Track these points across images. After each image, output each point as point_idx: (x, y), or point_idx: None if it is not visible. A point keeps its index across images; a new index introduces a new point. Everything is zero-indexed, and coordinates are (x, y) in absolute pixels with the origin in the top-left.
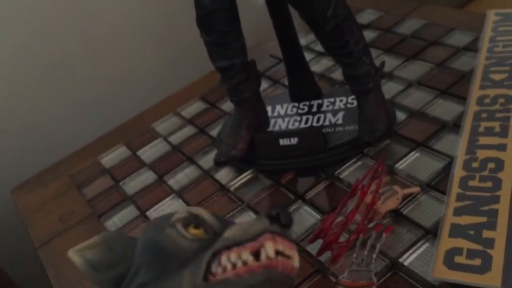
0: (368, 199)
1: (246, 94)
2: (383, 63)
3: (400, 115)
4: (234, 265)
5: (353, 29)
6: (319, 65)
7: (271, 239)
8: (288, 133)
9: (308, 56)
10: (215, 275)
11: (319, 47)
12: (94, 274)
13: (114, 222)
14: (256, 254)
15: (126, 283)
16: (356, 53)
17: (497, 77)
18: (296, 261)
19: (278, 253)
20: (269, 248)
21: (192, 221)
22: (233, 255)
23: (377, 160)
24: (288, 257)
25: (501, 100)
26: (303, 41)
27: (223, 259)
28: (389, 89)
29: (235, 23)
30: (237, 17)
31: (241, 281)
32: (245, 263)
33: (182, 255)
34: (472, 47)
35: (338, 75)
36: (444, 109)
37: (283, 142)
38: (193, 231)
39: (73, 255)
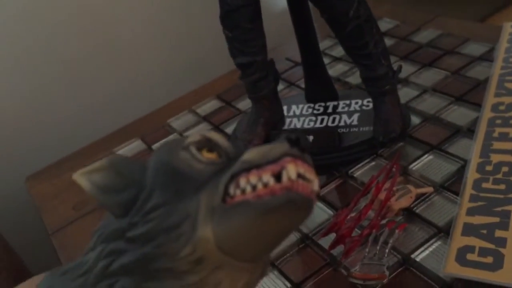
0: (382, 195)
1: (264, 92)
2: (400, 67)
3: (415, 119)
4: (253, 188)
5: (374, 31)
6: (334, 70)
7: (292, 161)
8: (303, 131)
9: (324, 61)
10: (234, 198)
11: (335, 52)
12: (103, 197)
13: None
14: (277, 177)
15: (138, 206)
16: (375, 55)
17: None
18: (316, 185)
19: (299, 176)
20: (291, 170)
21: (206, 144)
22: (253, 177)
23: (392, 159)
24: (309, 180)
25: None
26: (320, 46)
27: (242, 181)
28: (404, 94)
29: (258, 20)
30: (260, 15)
31: (262, 203)
32: (265, 185)
33: (198, 178)
34: (487, 57)
35: (353, 79)
36: (459, 115)
37: None
38: (207, 154)
39: (79, 177)
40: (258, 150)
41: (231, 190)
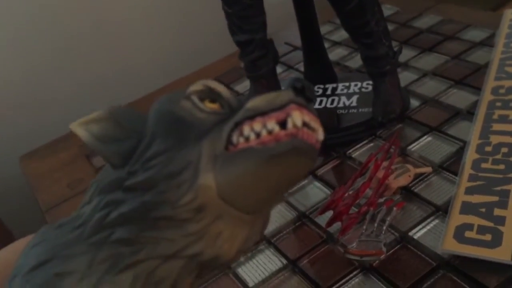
0: (380, 173)
1: (263, 71)
2: (401, 48)
3: (414, 102)
4: (258, 135)
5: (375, 9)
6: (334, 54)
7: (297, 109)
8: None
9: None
10: (237, 146)
11: (335, 37)
12: (101, 146)
13: None
14: (282, 124)
15: (137, 155)
16: (376, 33)
17: None
18: (320, 134)
19: (304, 124)
20: (296, 117)
21: (208, 95)
22: (257, 125)
23: (391, 137)
24: (313, 129)
25: None
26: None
27: (246, 129)
28: (404, 78)
29: None
30: None
31: (266, 150)
32: (270, 132)
33: (200, 126)
34: (488, 43)
35: (353, 63)
36: (458, 98)
37: None
38: (209, 104)
39: (77, 127)
40: (263, 97)
41: (234, 138)
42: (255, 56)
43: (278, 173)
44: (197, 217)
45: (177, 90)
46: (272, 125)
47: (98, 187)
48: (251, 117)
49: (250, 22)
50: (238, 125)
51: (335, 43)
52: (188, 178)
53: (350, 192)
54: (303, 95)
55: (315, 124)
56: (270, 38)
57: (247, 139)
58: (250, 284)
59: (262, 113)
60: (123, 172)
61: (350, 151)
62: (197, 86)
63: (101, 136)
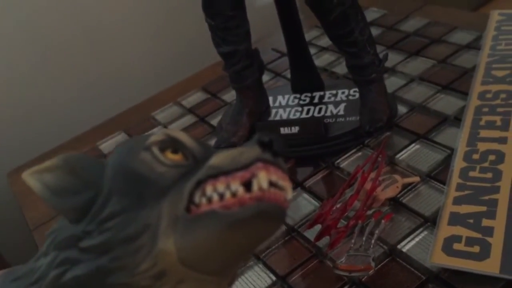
0: (368, 185)
1: (248, 81)
2: (386, 55)
3: (402, 109)
4: (221, 196)
5: (358, 17)
6: (321, 60)
7: (264, 168)
8: (289, 122)
9: (311, 51)
10: (199, 206)
11: (322, 42)
12: (55, 199)
13: None
14: (247, 185)
15: (94, 212)
16: (360, 42)
17: (499, 73)
18: (289, 193)
19: (271, 184)
20: (262, 179)
21: (170, 145)
22: (220, 185)
23: (378, 148)
24: (281, 188)
25: (503, 95)
26: (307, 36)
27: (209, 189)
28: (391, 83)
29: (241, 8)
30: (243, 3)
31: (230, 215)
32: (234, 194)
33: (160, 183)
34: (474, 45)
35: (340, 69)
36: (446, 103)
37: (284, 130)
38: (171, 156)
39: (28, 177)
40: (227, 155)
41: (197, 198)
42: (240, 67)
43: (243, 237)
44: (157, 284)
45: (137, 138)
46: (236, 186)
47: (54, 240)
48: (214, 175)
49: (233, 34)
50: (200, 183)
51: (322, 49)
52: (147, 243)
53: (338, 205)
54: (271, 150)
55: (284, 182)
56: (255, 48)
57: (209, 200)
58: None
59: (226, 171)
60: (79, 229)
61: (339, 160)
62: (158, 136)
63: (55, 188)
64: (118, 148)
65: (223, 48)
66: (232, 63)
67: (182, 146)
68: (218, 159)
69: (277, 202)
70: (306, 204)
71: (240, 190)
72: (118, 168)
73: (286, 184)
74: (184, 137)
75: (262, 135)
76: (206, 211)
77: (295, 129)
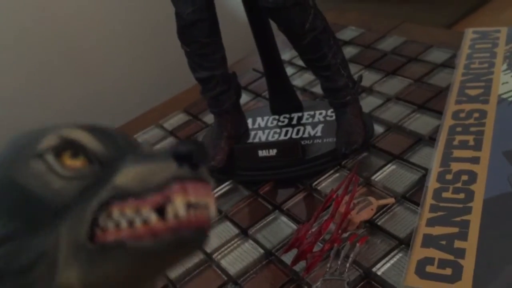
0: (342, 208)
1: (226, 106)
2: (360, 77)
3: (378, 129)
4: (130, 223)
5: (331, 42)
6: (301, 79)
7: (180, 190)
8: (267, 145)
9: (290, 70)
10: (105, 232)
11: (301, 62)
12: None
13: None
14: (160, 210)
15: None
16: (333, 66)
17: (472, 92)
18: (212, 211)
19: (190, 205)
20: (178, 204)
21: (68, 147)
22: (128, 210)
23: (351, 172)
24: (204, 207)
25: (476, 115)
26: (287, 56)
27: (115, 212)
28: (368, 103)
29: (216, 34)
30: (218, 29)
31: (142, 247)
32: (145, 222)
33: (56, 202)
34: (449, 64)
35: (319, 89)
36: (421, 123)
37: (262, 153)
38: (70, 162)
39: None
40: (137, 173)
41: (101, 220)
42: (217, 92)
43: (155, 265)
44: None
45: (26, 138)
46: (148, 213)
47: None
48: (122, 197)
49: (209, 60)
50: (104, 206)
51: (302, 68)
52: (44, 275)
53: (314, 229)
54: (190, 163)
55: (206, 198)
56: (232, 72)
57: (117, 225)
58: None
59: (136, 194)
60: None
61: (316, 182)
62: (52, 138)
63: None
64: (1, 154)
65: (199, 74)
66: (209, 88)
67: (83, 149)
68: (126, 178)
69: (197, 226)
70: (284, 227)
71: (153, 217)
72: (2, 183)
73: (209, 200)
74: (85, 137)
75: (180, 146)
76: (113, 241)
77: (273, 152)
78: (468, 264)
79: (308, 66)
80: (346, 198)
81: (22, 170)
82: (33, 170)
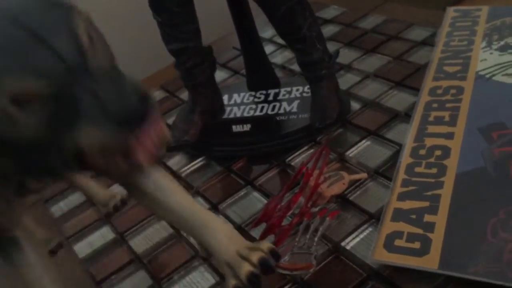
0: (312, 182)
1: (199, 79)
2: (337, 52)
3: (355, 105)
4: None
5: (306, 14)
6: (281, 57)
7: (139, 151)
8: (241, 120)
9: (271, 48)
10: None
11: (282, 40)
12: None
13: (60, 207)
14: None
15: None
16: (309, 38)
17: (450, 69)
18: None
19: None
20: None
21: (18, 101)
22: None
23: (322, 144)
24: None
25: (453, 91)
26: (267, 34)
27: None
28: (346, 80)
29: (188, 4)
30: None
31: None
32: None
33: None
34: (430, 42)
35: (298, 66)
36: (398, 99)
37: (236, 128)
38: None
39: None
40: (97, 141)
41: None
42: (191, 65)
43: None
44: None
45: None
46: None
47: None
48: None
49: (181, 31)
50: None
51: (281, 46)
52: None
53: (283, 203)
54: (138, 120)
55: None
56: (208, 45)
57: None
58: None
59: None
60: None
61: (290, 158)
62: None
63: None
64: None
65: (172, 45)
66: (182, 61)
67: (33, 97)
68: (88, 144)
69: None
70: (256, 203)
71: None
72: None
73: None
74: (31, 85)
75: (120, 109)
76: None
77: (247, 127)
78: (437, 238)
79: (284, 39)
80: (317, 171)
81: None
82: None
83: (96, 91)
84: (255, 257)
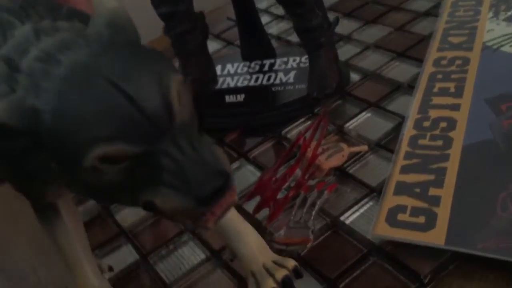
0: (310, 153)
1: (190, 46)
2: (337, 19)
3: (355, 77)
4: None
5: None
6: (277, 28)
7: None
8: (234, 90)
9: (266, 19)
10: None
11: (278, 11)
12: None
13: None
14: None
15: None
16: (308, 3)
17: (456, 40)
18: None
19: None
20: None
21: (107, 161)
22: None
23: (320, 114)
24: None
25: (458, 62)
26: (263, 4)
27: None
28: (345, 51)
29: None
30: None
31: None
32: None
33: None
34: (433, 13)
35: (294, 37)
36: (400, 71)
37: (229, 99)
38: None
39: None
40: (171, 204)
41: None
42: (180, 31)
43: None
44: None
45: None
46: None
47: None
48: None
49: None
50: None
51: (278, 17)
52: None
53: (278, 176)
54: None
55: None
56: (201, 11)
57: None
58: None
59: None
60: None
61: (286, 130)
62: (90, 158)
63: None
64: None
65: (161, 9)
66: (171, 26)
67: (121, 158)
68: (162, 204)
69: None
70: (249, 176)
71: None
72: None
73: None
74: (119, 151)
75: (205, 185)
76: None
77: (240, 97)
78: (443, 212)
79: (282, 4)
80: (315, 143)
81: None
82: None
83: (181, 162)
84: (279, 275)
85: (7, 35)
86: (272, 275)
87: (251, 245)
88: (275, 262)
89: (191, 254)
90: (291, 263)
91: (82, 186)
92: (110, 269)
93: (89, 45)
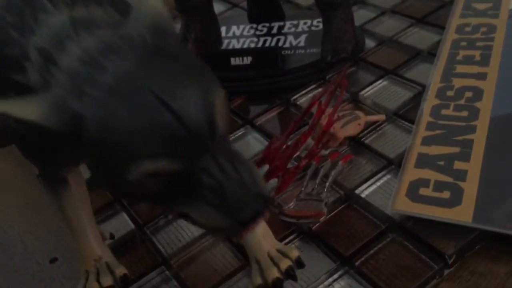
0: (324, 120)
1: (194, 2)
2: None
3: (370, 43)
4: None
5: None
6: None
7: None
8: (241, 52)
9: None
10: None
11: None
12: None
13: None
14: None
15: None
16: None
17: (480, 6)
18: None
19: None
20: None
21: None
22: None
23: (338, 77)
24: None
25: (483, 29)
26: None
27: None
28: (360, 16)
29: None
30: None
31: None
32: None
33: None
34: None
35: (304, 0)
36: (419, 37)
37: (234, 61)
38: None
39: None
40: (208, 220)
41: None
42: None
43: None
44: None
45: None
46: None
47: None
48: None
49: None
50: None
51: None
52: None
53: (289, 143)
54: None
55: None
56: None
57: None
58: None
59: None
60: None
61: (296, 97)
62: (137, 173)
63: None
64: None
65: None
66: None
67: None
68: (199, 218)
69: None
70: (255, 144)
71: None
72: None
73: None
74: (165, 166)
75: (245, 210)
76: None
77: (247, 60)
78: (470, 187)
79: None
80: (330, 109)
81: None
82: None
83: (221, 182)
84: (284, 265)
85: (38, 19)
86: (276, 265)
87: (257, 232)
88: (278, 251)
89: (189, 224)
90: (294, 253)
91: (117, 189)
92: (112, 236)
93: (133, 51)
